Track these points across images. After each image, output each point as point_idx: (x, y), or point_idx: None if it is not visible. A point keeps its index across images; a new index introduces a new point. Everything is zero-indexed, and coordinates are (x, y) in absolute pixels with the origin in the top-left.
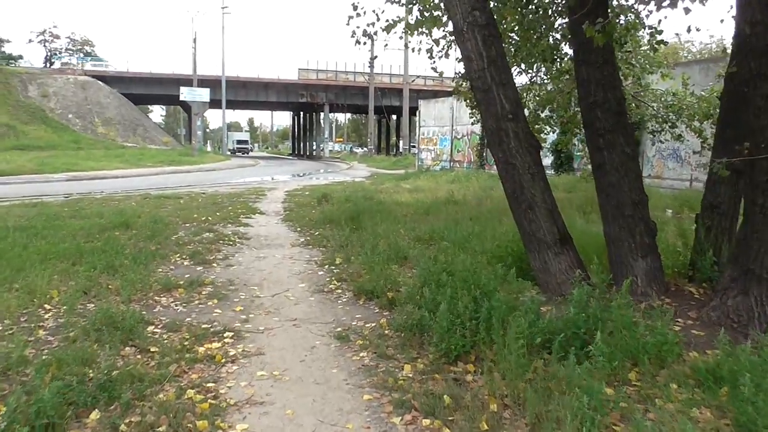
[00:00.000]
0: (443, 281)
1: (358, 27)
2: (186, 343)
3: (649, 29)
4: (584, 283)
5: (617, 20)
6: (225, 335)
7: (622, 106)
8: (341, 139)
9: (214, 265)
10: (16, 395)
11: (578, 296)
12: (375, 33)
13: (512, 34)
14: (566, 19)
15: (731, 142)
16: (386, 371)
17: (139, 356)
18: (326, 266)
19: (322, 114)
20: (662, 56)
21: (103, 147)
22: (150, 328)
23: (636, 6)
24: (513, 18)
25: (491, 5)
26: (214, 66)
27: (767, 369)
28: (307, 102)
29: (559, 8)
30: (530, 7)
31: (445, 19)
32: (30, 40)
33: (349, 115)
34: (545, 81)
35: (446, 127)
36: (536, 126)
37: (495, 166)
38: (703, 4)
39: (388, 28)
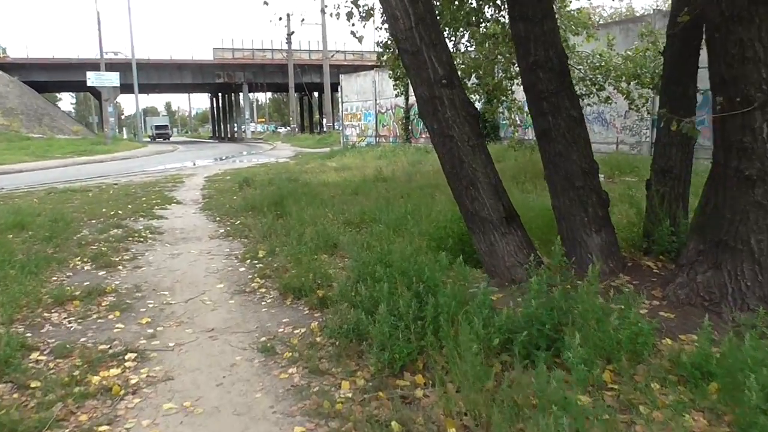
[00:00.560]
0: (379, 275)
1: None
2: (76, 372)
3: None
4: (538, 267)
5: None
6: (126, 357)
7: (564, 65)
8: (263, 120)
9: (120, 267)
10: None
11: (537, 285)
12: None
13: None
14: None
15: (678, 100)
16: (320, 392)
17: (15, 395)
18: (248, 261)
19: (241, 94)
20: (586, 17)
21: (5, 139)
22: (33, 356)
23: None
24: None
25: None
26: (124, 49)
27: None
28: (225, 82)
29: None
30: None
31: None
32: None
33: (269, 94)
34: (469, 48)
35: (370, 101)
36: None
37: (420, 139)
38: None
39: None
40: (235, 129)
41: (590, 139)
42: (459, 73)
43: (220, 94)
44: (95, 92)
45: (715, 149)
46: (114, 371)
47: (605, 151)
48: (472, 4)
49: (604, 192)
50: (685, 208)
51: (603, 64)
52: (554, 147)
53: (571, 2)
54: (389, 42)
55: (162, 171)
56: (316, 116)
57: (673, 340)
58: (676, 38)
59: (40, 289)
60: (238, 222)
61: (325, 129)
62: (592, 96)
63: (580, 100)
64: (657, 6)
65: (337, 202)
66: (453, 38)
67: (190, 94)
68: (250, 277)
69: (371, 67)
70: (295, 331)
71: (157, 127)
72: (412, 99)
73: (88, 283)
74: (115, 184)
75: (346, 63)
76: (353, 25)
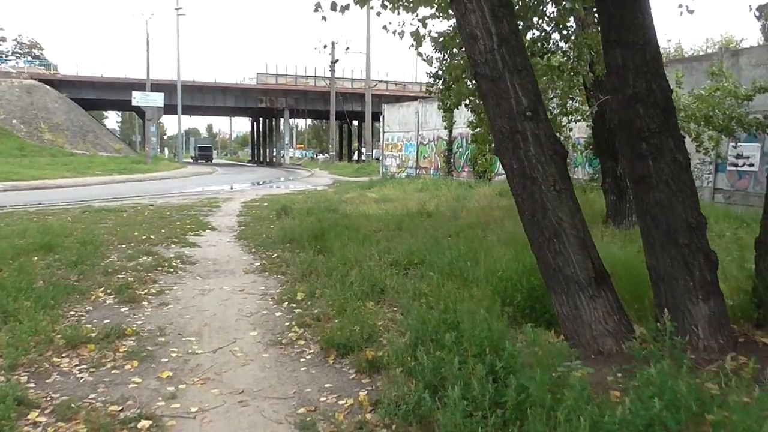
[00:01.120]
0: (444, 341)
1: None
2: None
3: None
4: (629, 337)
5: None
6: (139, 426)
7: (669, 100)
8: (302, 146)
9: (145, 303)
10: None
11: (659, 375)
12: (346, 6)
13: None
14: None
15: None
16: None
17: None
18: (285, 303)
19: (282, 120)
20: None
21: (49, 154)
22: (31, 416)
23: None
24: None
25: None
26: (170, 70)
27: None
28: (267, 107)
29: None
30: None
31: None
32: None
33: (309, 121)
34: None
35: (411, 132)
36: None
37: (462, 173)
38: None
39: (361, 2)
40: (274, 154)
41: None
42: None
43: (261, 119)
44: (140, 111)
45: None
46: None
47: None
48: (538, 31)
49: (713, 252)
50: None
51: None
52: (654, 196)
53: None
54: (440, 72)
55: (199, 193)
56: (354, 144)
57: None
58: None
59: (53, 327)
60: (275, 255)
61: (363, 158)
62: None
63: None
64: (716, 44)
65: (381, 238)
66: None
67: (232, 117)
68: (287, 324)
69: (413, 98)
70: (340, 402)
71: (201, 148)
72: (456, 131)
73: (108, 321)
74: (151, 205)
75: (387, 93)
76: (414, 47)
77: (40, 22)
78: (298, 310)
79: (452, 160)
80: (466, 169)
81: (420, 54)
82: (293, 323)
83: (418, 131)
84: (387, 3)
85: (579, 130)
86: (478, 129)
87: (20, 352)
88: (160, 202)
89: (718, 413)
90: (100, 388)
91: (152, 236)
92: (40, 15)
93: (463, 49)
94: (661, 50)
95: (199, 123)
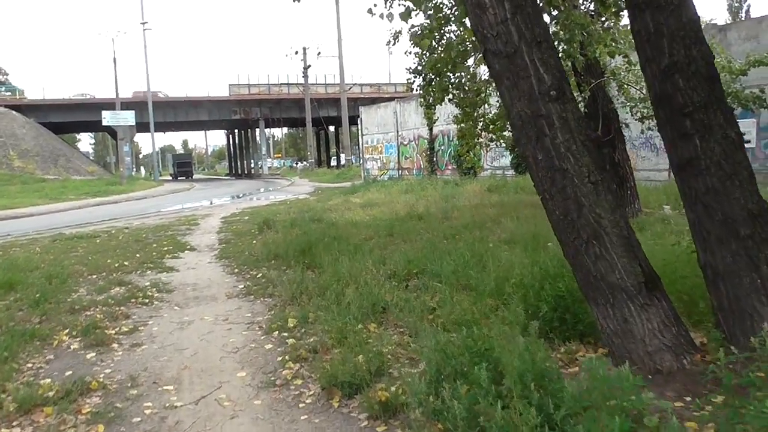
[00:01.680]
0: (476, 377)
1: None
2: None
3: None
4: (689, 349)
5: None
6: None
7: (712, 67)
8: (279, 155)
9: (115, 345)
10: None
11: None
12: None
13: None
14: None
15: None
16: None
17: None
18: (275, 333)
19: (257, 130)
20: None
21: (20, 182)
22: None
23: None
24: None
25: None
26: (140, 87)
27: None
28: (241, 118)
29: None
30: None
31: None
32: None
33: (285, 129)
34: None
35: (391, 133)
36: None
37: (446, 171)
38: None
39: None
40: (252, 165)
41: (638, 165)
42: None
43: (236, 131)
44: (112, 132)
45: None
46: None
47: (656, 179)
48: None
49: None
50: None
51: None
52: (704, 182)
53: None
54: (419, 67)
55: (177, 212)
56: (332, 150)
57: None
58: None
59: (4, 387)
60: (260, 275)
61: (343, 163)
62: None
63: (641, 122)
64: (711, 19)
65: (373, 246)
66: None
67: (207, 132)
68: (279, 359)
69: (389, 99)
70: None
71: (179, 164)
72: (437, 129)
73: (70, 372)
74: (126, 228)
75: (363, 96)
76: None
77: (4, 47)
78: (290, 340)
79: (435, 159)
80: (449, 167)
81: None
82: (287, 358)
83: (397, 132)
84: None
85: None
86: (463, 124)
87: None
88: (136, 224)
89: None
90: None
91: (126, 263)
92: (3, 40)
93: (443, 41)
94: None
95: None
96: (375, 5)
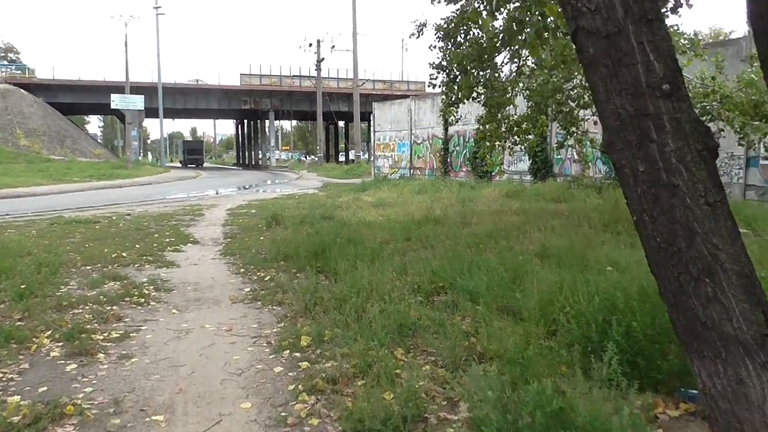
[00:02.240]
0: None
1: None
2: None
3: None
4: None
5: None
6: None
7: None
8: (287, 148)
9: (101, 356)
10: None
11: None
12: None
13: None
14: None
15: None
16: None
17: None
18: (286, 352)
19: (267, 121)
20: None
21: (25, 161)
22: None
23: None
24: None
25: None
26: (150, 72)
27: None
28: (251, 109)
29: None
30: None
31: None
32: None
33: (294, 122)
34: (535, 69)
35: (404, 131)
36: (523, 126)
37: (459, 173)
38: None
39: None
40: (260, 156)
41: None
42: (527, 98)
43: (245, 121)
44: (121, 115)
45: None
46: None
47: None
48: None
49: None
50: None
51: (717, 89)
52: None
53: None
54: (443, 63)
55: (182, 200)
56: (341, 145)
57: None
58: None
59: None
60: (268, 278)
61: (353, 159)
62: None
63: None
64: (707, 36)
65: (392, 252)
66: (517, 60)
67: (216, 120)
68: (291, 388)
69: (401, 97)
70: None
71: (190, 151)
72: (453, 129)
73: (45, 388)
74: (128, 214)
75: (375, 92)
76: None
77: (16, 25)
78: (303, 363)
79: (449, 160)
80: (464, 169)
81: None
82: (300, 388)
83: (411, 130)
84: None
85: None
86: (488, 125)
87: None
88: (139, 211)
89: None
90: None
91: (124, 253)
92: (16, 18)
93: (470, 36)
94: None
95: (183, 126)
96: None
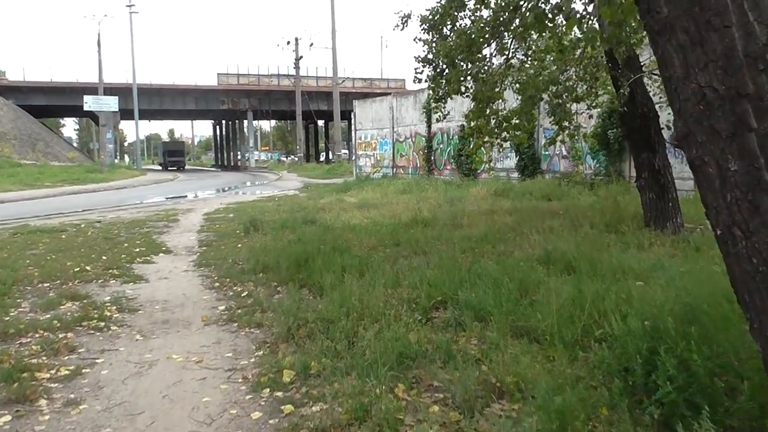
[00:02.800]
0: None
1: None
2: None
3: None
4: None
5: None
6: None
7: None
8: (267, 148)
9: (43, 402)
10: None
11: None
12: None
13: None
14: None
15: None
16: None
17: None
18: (266, 391)
19: (245, 122)
20: None
21: None
22: None
23: None
24: None
25: None
26: (125, 73)
27: None
28: (229, 109)
29: None
30: None
31: None
32: None
33: (273, 122)
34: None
35: (386, 129)
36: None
37: (444, 171)
38: None
39: None
40: (239, 157)
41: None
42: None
43: (223, 121)
44: (95, 117)
45: None
46: None
47: (681, 189)
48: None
49: None
50: None
51: None
52: None
53: None
54: (430, 56)
55: (157, 204)
56: (321, 144)
57: None
58: None
59: None
60: (245, 293)
61: (333, 158)
62: None
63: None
64: None
65: (381, 259)
66: (506, 52)
67: (193, 121)
68: None
69: (381, 95)
70: None
71: (170, 152)
72: (436, 127)
73: None
74: (98, 222)
75: (355, 90)
76: None
77: None
78: (287, 406)
79: (433, 158)
80: (449, 167)
81: None
82: None
83: (393, 128)
84: None
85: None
86: (476, 121)
87: None
88: (110, 217)
89: None
90: None
91: (88, 267)
92: None
93: (457, 27)
94: None
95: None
96: None
